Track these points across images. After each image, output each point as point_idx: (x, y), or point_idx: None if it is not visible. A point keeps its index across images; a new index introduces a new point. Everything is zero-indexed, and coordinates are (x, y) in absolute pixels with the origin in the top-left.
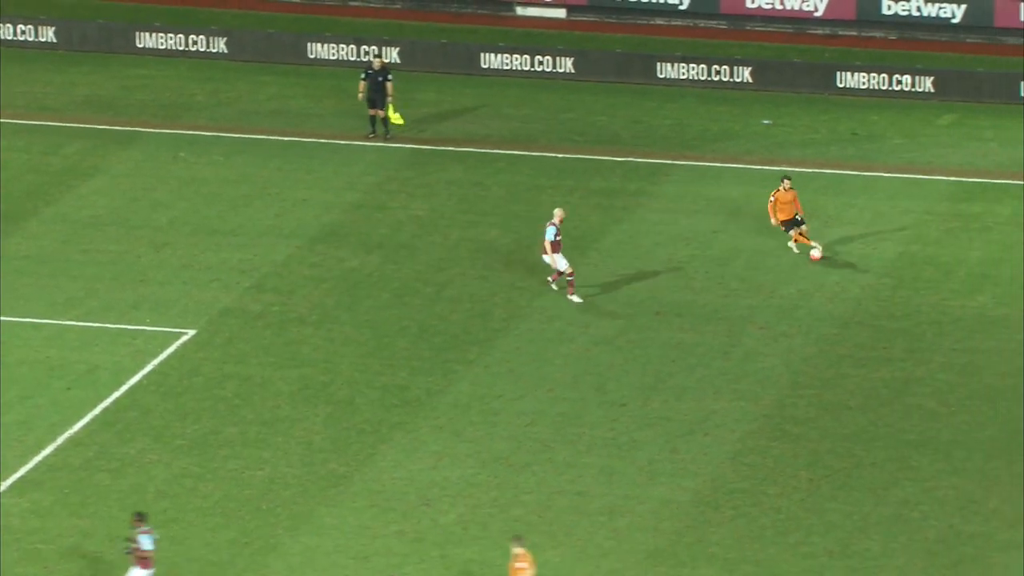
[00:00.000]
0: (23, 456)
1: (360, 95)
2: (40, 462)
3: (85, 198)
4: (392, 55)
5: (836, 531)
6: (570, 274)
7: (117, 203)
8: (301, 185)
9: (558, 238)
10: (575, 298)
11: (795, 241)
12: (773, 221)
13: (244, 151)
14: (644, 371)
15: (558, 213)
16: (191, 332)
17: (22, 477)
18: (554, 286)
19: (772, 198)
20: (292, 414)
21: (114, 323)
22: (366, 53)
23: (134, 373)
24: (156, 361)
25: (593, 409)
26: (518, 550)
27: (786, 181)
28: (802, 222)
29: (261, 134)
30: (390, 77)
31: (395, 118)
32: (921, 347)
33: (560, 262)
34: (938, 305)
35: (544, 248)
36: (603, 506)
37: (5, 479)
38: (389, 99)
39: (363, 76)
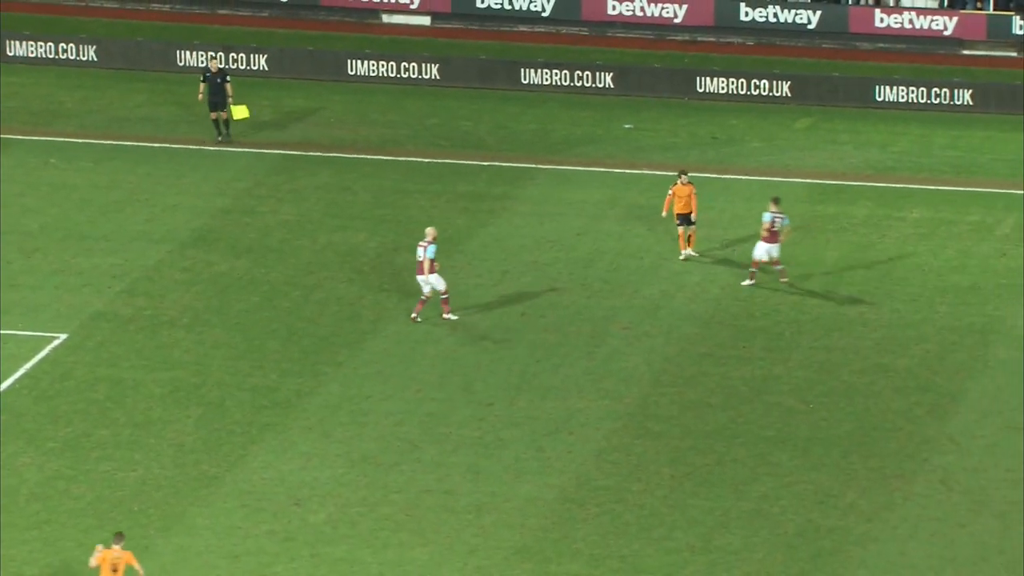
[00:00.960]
0: None
1: (200, 96)
2: None
3: None
4: (260, 62)
5: (698, 526)
6: (445, 293)
7: None
8: (171, 191)
9: (432, 258)
10: (451, 316)
11: (687, 246)
12: (664, 213)
13: (114, 157)
14: (510, 371)
15: (431, 232)
16: (63, 336)
17: None
18: (418, 318)
19: (670, 191)
20: (164, 416)
21: None
22: (235, 60)
23: (6, 377)
24: (28, 365)
25: (460, 409)
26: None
27: (683, 176)
28: (693, 222)
29: (131, 140)
30: (228, 78)
31: (239, 112)
32: (780, 346)
33: (439, 283)
34: (796, 304)
35: (421, 268)
36: (470, 504)
37: None
38: (230, 99)
39: (202, 79)
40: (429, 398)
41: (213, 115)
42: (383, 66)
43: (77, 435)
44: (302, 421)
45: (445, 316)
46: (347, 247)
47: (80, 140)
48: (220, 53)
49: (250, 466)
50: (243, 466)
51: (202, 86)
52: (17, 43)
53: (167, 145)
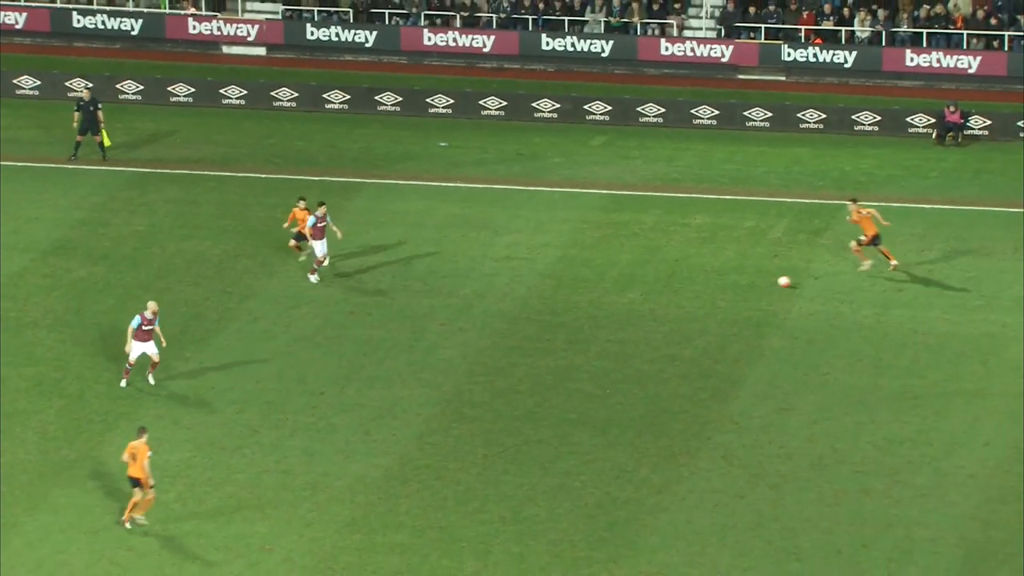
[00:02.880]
0: None
1: (75, 123)
2: None
3: None
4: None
5: (508, 500)
6: (322, 260)
7: None
8: (33, 205)
9: (320, 224)
10: (314, 278)
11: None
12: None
13: None
14: (340, 364)
15: (322, 209)
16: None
17: None
18: (313, 278)
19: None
20: (28, 407)
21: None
22: (91, 88)
23: None
24: None
25: (295, 397)
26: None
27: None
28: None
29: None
30: (100, 106)
31: (107, 140)
32: (580, 338)
33: (320, 248)
34: (594, 302)
35: (308, 233)
36: (306, 482)
37: None
38: (102, 125)
39: (76, 107)
40: (267, 388)
41: (80, 137)
42: (225, 91)
43: None
44: (154, 410)
45: (309, 276)
46: (193, 254)
47: None
48: (91, 84)
49: (107, 451)
50: (100, 451)
51: (76, 114)
52: None
53: (29, 164)
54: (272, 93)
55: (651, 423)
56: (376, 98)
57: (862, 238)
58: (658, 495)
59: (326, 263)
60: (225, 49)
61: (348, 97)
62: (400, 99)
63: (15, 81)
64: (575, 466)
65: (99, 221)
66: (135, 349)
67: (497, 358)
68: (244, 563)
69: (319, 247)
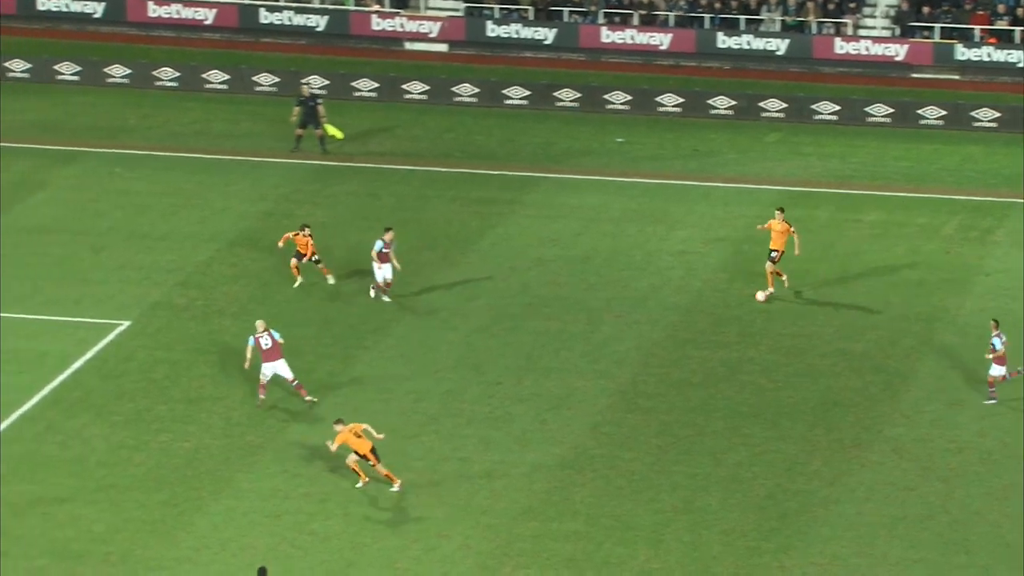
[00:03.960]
0: None
1: (293, 118)
2: None
3: (33, 209)
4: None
5: (681, 490)
6: (388, 284)
7: (61, 213)
8: (221, 196)
9: (385, 251)
10: (374, 293)
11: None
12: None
13: (172, 167)
14: (516, 354)
15: (389, 235)
16: (126, 323)
17: None
18: (372, 293)
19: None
20: (214, 393)
21: (59, 316)
22: (275, 84)
23: (77, 359)
24: (96, 348)
25: (473, 387)
26: (338, 427)
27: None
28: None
29: (187, 152)
30: (320, 101)
31: (334, 132)
32: (752, 332)
33: (382, 272)
34: (767, 296)
35: (373, 257)
36: (482, 470)
37: None
38: (323, 120)
39: (297, 103)
40: (446, 378)
41: (300, 131)
42: (408, 87)
43: (139, 410)
44: (333, 398)
45: (384, 298)
46: (372, 246)
47: (142, 152)
48: (310, 81)
49: (289, 438)
50: (283, 438)
51: (296, 109)
52: (92, 69)
53: (218, 156)
54: (453, 89)
55: (822, 416)
56: (555, 94)
57: (774, 253)
58: (829, 487)
59: (384, 296)
60: (408, 45)
61: (527, 93)
62: (578, 95)
63: (204, 75)
64: (747, 457)
65: (284, 212)
66: (378, 272)
67: (671, 350)
68: (421, 548)
69: (381, 272)
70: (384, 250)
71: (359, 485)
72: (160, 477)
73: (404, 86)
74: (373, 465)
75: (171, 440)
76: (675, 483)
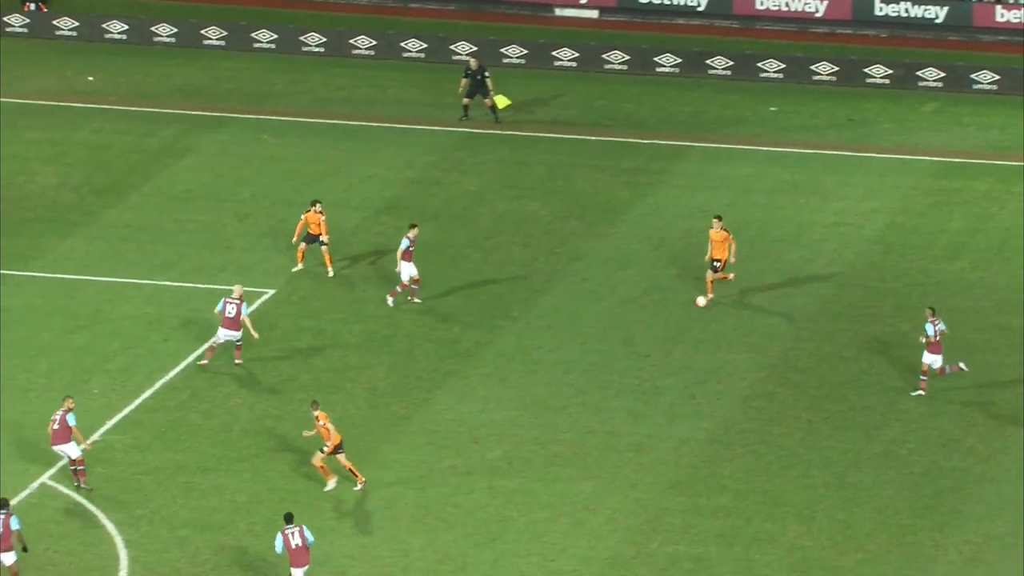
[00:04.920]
0: (125, 398)
1: (460, 90)
2: (140, 404)
3: (179, 175)
4: (450, 50)
5: (833, 466)
6: (415, 281)
7: (206, 179)
8: (367, 164)
9: (411, 248)
10: (416, 300)
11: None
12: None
13: (318, 134)
14: (666, 326)
15: (414, 231)
16: (271, 291)
17: (125, 417)
18: (390, 301)
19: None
20: (359, 363)
21: (204, 283)
22: (422, 50)
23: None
24: (241, 317)
25: (621, 359)
26: (317, 412)
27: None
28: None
29: (333, 119)
30: (487, 73)
31: (501, 101)
32: (908, 305)
33: (408, 270)
34: (923, 269)
35: (399, 256)
36: (630, 444)
37: (110, 419)
38: (491, 91)
39: (464, 75)
40: (593, 349)
41: (467, 100)
42: (557, 53)
43: (283, 379)
44: (481, 369)
45: (413, 300)
46: (522, 215)
47: (289, 118)
48: (476, 49)
49: (435, 408)
50: (428, 408)
51: (464, 80)
52: (239, 33)
53: (364, 123)
54: (603, 56)
55: (978, 393)
56: (707, 62)
57: (716, 263)
58: (984, 464)
59: (414, 298)
60: (558, 11)
61: (679, 60)
62: (731, 63)
63: (351, 41)
64: (901, 433)
65: (430, 180)
66: (404, 270)
67: (823, 324)
68: (568, 522)
69: (407, 270)
70: (410, 248)
71: (329, 487)
72: (304, 447)
73: (554, 53)
74: (337, 456)
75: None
76: (826, 459)
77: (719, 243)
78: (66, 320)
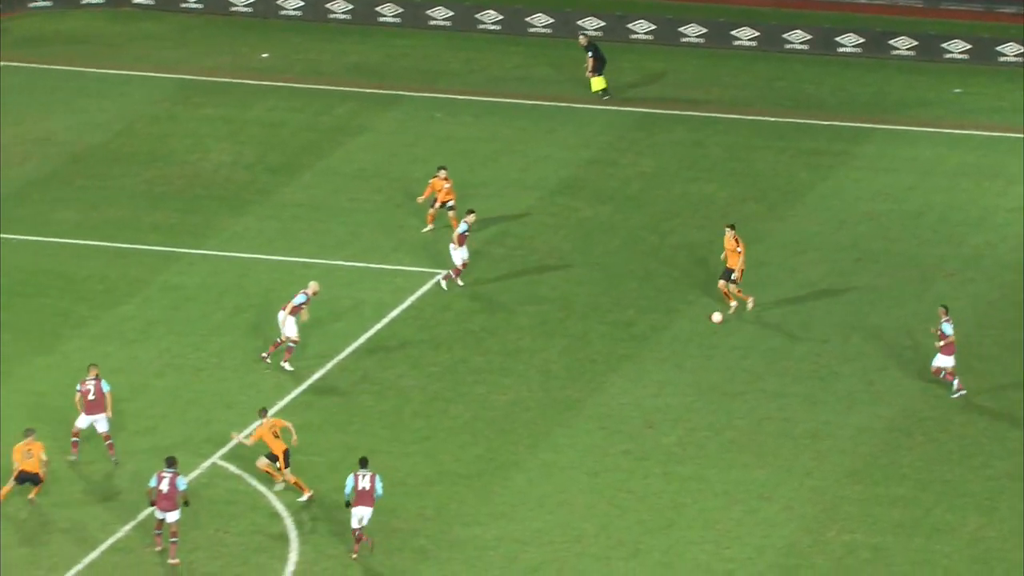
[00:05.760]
0: (296, 380)
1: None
2: (310, 386)
3: (352, 153)
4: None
5: (1015, 456)
6: (465, 265)
7: (380, 158)
8: (542, 144)
9: (467, 233)
10: (459, 281)
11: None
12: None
13: (493, 113)
14: (845, 311)
15: (472, 216)
16: (443, 272)
17: (295, 398)
18: (443, 284)
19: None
20: (532, 345)
21: (377, 263)
22: (600, 28)
23: (394, 308)
24: (413, 297)
25: (799, 344)
26: (261, 419)
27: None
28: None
29: (508, 98)
30: (590, 53)
31: (597, 84)
32: None
33: (460, 254)
34: None
35: (453, 240)
36: (807, 431)
37: (280, 400)
38: (588, 70)
39: (588, 52)
40: (771, 335)
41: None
42: (737, 32)
43: (455, 361)
44: (656, 353)
45: (456, 280)
46: (699, 197)
47: (463, 97)
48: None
49: (609, 392)
50: (602, 392)
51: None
52: (414, 11)
53: (540, 102)
54: (784, 35)
55: None
56: (890, 42)
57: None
58: None
59: (457, 278)
60: None
61: (861, 40)
62: (914, 43)
63: (527, 19)
64: None
65: (607, 161)
66: (457, 254)
67: (1007, 311)
68: (743, 509)
69: (459, 254)
70: (467, 232)
71: (278, 487)
72: (476, 430)
73: (733, 32)
74: (280, 469)
75: (488, 392)
76: (1009, 449)
77: (731, 252)
78: (238, 299)
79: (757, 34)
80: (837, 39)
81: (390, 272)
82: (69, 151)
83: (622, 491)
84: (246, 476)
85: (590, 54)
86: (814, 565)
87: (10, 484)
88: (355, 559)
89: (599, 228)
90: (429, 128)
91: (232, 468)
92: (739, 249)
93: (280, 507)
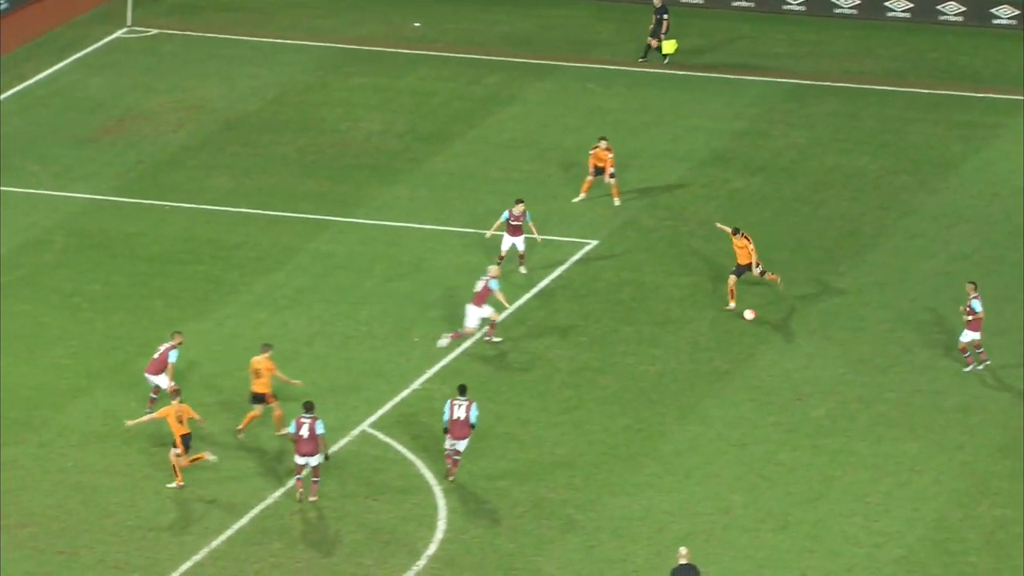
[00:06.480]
0: (445, 349)
1: (653, 27)
2: (460, 353)
3: (503, 123)
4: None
5: None
6: (521, 257)
7: (531, 128)
8: (693, 114)
9: (515, 223)
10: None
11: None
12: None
13: (644, 84)
14: (996, 285)
15: (520, 207)
16: (594, 243)
17: (444, 366)
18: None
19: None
20: (681, 316)
21: (527, 233)
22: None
23: (544, 278)
24: (563, 268)
25: (951, 317)
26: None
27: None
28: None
29: (659, 68)
30: (666, 16)
31: (670, 46)
32: None
33: (508, 244)
34: None
35: (497, 228)
36: (957, 404)
37: (429, 368)
38: (663, 34)
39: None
40: (922, 307)
41: (652, 41)
42: (891, 4)
43: (604, 331)
44: (805, 324)
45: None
46: (851, 169)
47: (614, 67)
48: None
49: (758, 364)
50: (751, 364)
51: (655, 18)
52: None
53: (691, 73)
54: (938, 7)
55: None
56: None
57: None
58: None
59: (521, 266)
60: None
61: (1016, 12)
62: None
63: None
64: None
65: (758, 132)
66: (506, 243)
67: None
68: (893, 482)
69: (508, 243)
70: (513, 222)
71: (171, 485)
72: (624, 401)
73: (887, 3)
74: (179, 455)
75: (636, 363)
76: None
77: (741, 250)
78: (388, 267)
79: (911, 5)
80: (992, 10)
81: (540, 242)
82: (222, 118)
83: (770, 463)
84: (395, 444)
85: (665, 16)
86: (964, 539)
87: (182, 450)
88: (452, 480)
89: (750, 199)
90: (581, 99)
91: (381, 436)
92: (750, 246)
93: (429, 476)
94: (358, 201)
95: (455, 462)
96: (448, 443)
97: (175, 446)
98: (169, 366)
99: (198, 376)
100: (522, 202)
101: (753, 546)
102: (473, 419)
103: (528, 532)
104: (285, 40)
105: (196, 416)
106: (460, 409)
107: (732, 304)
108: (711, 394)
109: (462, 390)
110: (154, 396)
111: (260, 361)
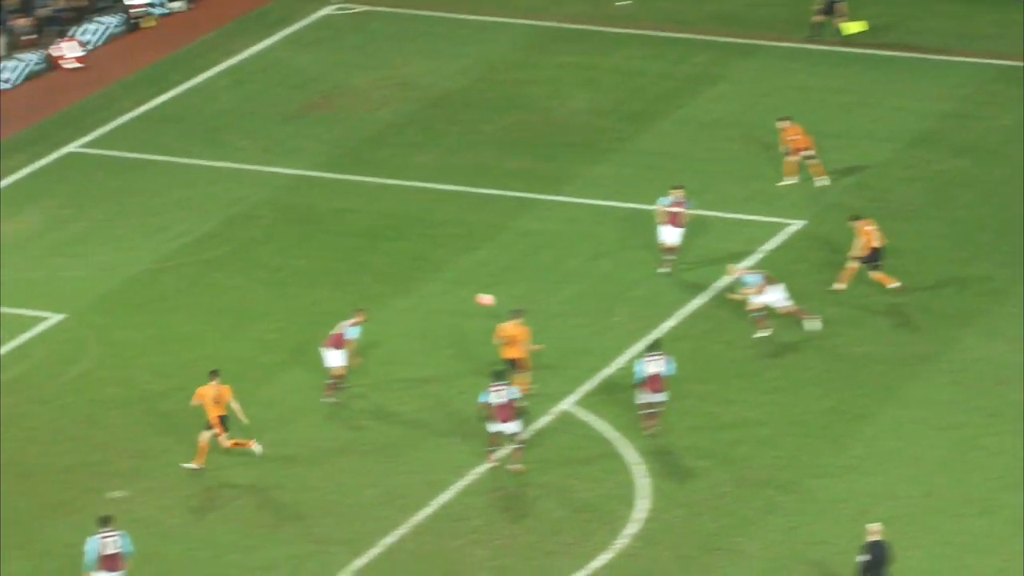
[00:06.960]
0: (647, 327)
1: (816, 5)
2: (665, 333)
3: (709, 103)
4: None
5: None
6: (673, 250)
7: (737, 108)
8: (897, 95)
9: (675, 210)
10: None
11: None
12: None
13: (850, 64)
14: None
15: (680, 192)
16: (800, 223)
17: (647, 346)
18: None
19: None
20: (886, 299)
21: (728, 213)
22: None
23: (745, 258)
24: (765, 248)
25: None
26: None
27: None
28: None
29: (866, 49)
30: None
31: (852, 27)
32: None
33: (672, 235)
34: None
35: (657, 215)
36: None
37: (630, 347)
38: (843, 15)
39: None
40: None
41: (819, 18)
42: None
43: (809, 311)
44: (1011, 308)
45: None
46: None
47: (822, 48)
48: None
49: (962, 347)
50: (955, 347)
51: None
52: None
53: (898, 54)
54: None
55: None
56: None
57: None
58: None
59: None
60: None
61: None
62: None
63: None
64: None
65: (966, 113)
66: (668, 233)
67: None
68: None
69: (671, 234)
70: (672, 209)
71: (189, 465)
72: (828, 382)
73: None
74: (218, 435)
75: (842, 345)
76: None
77: (869, 234)
78: (592, 246)
79: None
80: None
81: (742, 222)
82: (428, 96)
83: (973, 447)
84: (597, 422)
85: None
86: None
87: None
88: (649, 435)
89: (955, 181)
90: (786, 79)
91: (582, 414)
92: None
93: (631, 454)
94: (563, 179)
95: (652, 415)
96: (643, 399)
97: (209, 427)
98: (349, 343)
99: (401, 353)
100: (681, 188)
101: (956, 531)
102: (670, 371)
103: (730, 512)
104: (491, 18)
105: (235, 404)
106: (655, 364)
107: (843, 285)
108: (914, 377)
109: (655, 345)
110: (333, 382)
111: (512, 327)
